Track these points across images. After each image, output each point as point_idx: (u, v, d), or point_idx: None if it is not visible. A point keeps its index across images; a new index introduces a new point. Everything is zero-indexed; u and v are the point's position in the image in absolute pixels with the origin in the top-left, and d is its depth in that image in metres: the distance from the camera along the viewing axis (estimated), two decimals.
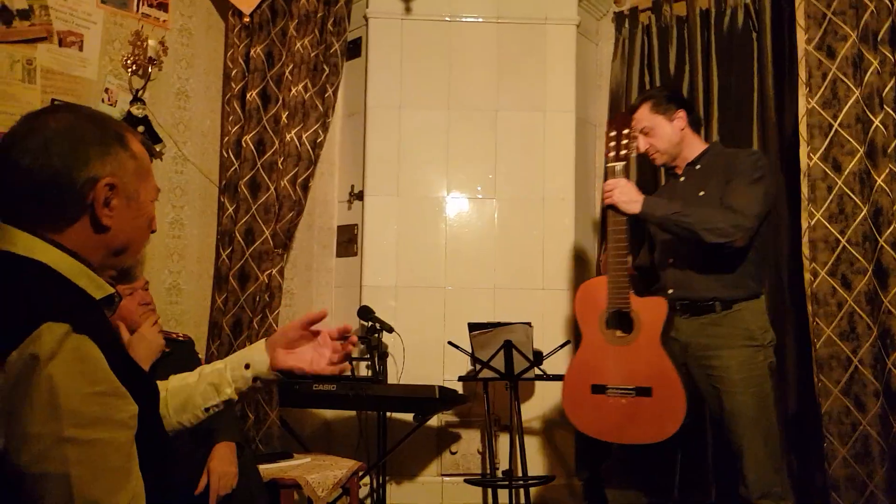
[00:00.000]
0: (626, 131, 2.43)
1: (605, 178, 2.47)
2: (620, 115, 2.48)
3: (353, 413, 3.26)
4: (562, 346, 3.01)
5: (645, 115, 2.53)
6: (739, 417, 2.31)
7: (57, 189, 0.99)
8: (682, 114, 2.53)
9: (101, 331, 0.93)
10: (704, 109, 3.39)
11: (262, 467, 2.45)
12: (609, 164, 2.44)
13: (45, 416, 0.83)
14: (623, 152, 2.42)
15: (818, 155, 2.62)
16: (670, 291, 2.46)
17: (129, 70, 2.98)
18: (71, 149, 1.00)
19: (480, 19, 3.52)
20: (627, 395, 2.37)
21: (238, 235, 3.04)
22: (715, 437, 2.88)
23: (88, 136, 1.02)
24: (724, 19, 3.41)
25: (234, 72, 3.19)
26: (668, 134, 2.52)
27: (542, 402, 3.32)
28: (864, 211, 2.54)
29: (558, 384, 3.08)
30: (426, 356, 3.20)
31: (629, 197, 2.37)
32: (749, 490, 2.29)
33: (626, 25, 3.65)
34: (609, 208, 2.42)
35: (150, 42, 3.05)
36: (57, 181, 0.99)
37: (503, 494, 2.93)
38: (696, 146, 2.58)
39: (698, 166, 2.54)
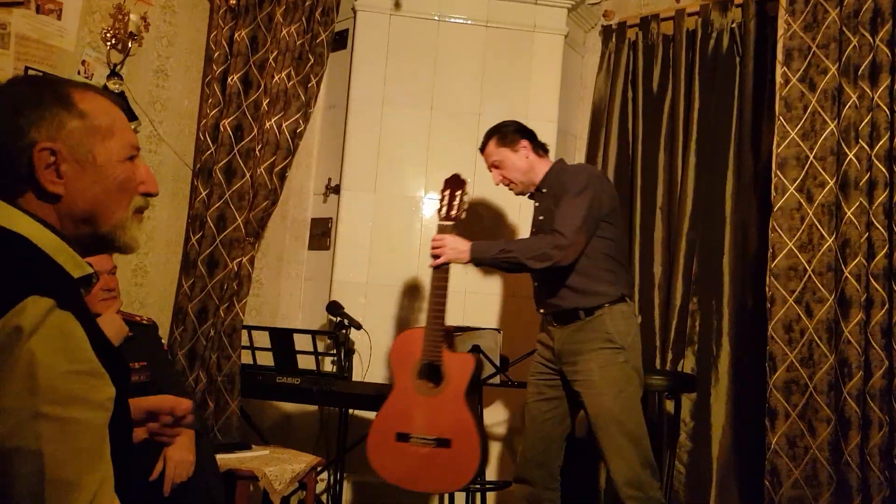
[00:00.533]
0: (458, 192, 2.51)
1: (440, 232, 2.54)
2: (454, 177, 2.56)
3: (315, 408, 3.22)
4: (528, 354, 3.01)
5: (493, 150, 2.65)
6: (602, 418, 2.38)
7: (2, 158, 0.97)
8: (525, 143, 2.65)
9: (84, 309, 0.91)
10: (684, 129, 3.43)
11: (219, 457, 2.42)
12: (441, 223, 2.51)
13: (23, 390, 0.81)
14: (454, 213, 2.49)
15: (794, 185, 2.67)
16: (541, 311, 2.62)
17: (108, 44, 2.90)
18: (2, 116, 0.97)
19: (469, 21, 3.52)
20: (428, 444, 2.48)
21: (210, 221, 2.99)
22: None
23: (21, 101, 0.98)
24: (709, 42, 3.45)
25: (216, 54, 3.13)
26: (516, 164, 2.62)
27: (505, 408, 3.33)
28: (830, 241, 2.60)
29: (522, 391, 3.10)
30: None
31: (458, 248, 2.49)
32: (616, 483, 2.35)
33: (613, 40, 3.68)
34: (434, 268, 2.53)
35: (132, 16, 2.98)
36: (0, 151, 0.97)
37: (460, 498, 2.93)
38: (542, 170, 2.66)
39: (544, 190, 2.64)
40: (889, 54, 2.57)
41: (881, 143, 2.55)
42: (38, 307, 0.84)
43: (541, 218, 2.61)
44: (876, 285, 2.51)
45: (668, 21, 3.57)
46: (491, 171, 2.66)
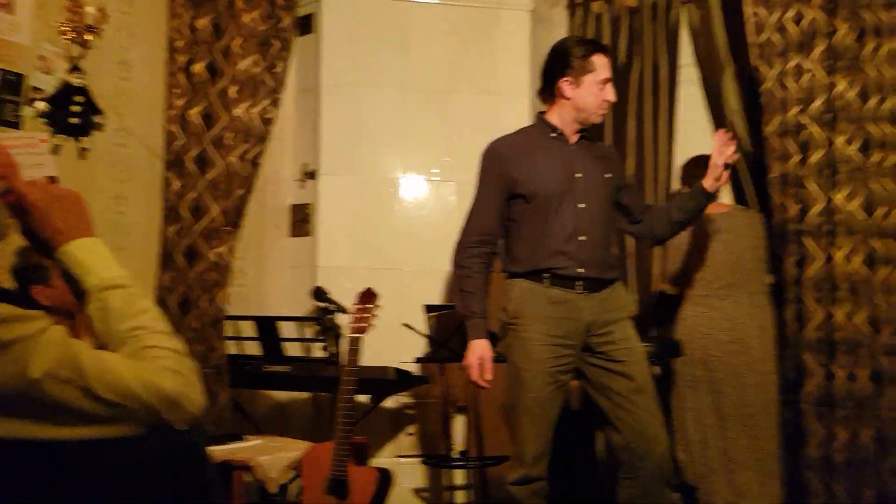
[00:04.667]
0: (370, 306, 2.48)
1: (351, 346, 2.43)
2: (367, 291, 2.51)
3: (308, 395, 3.17)
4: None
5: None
6: (647, 384, 2.24)
7: None
8: None
9: None
10: (653, 100, 3.47)
11: (212, 449, 2.37)
12: (351, 335, 2.44)
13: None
14: (364, 325, 2.45)
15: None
16: (580, 272, 2.29)
17: (65, 37, 2.81)
18: None
19: (436, 1, 3.50)
20: None
21: (186, 212, 2.92)
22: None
23: None
24: (671, 11, 3.50)
25: (179, 43, 3.06)
26: None
27: (498, 382, 3.30)
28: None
29: None
30: (383, 338, 3.11)
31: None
32: (659, 447, 2.20)
33: (579, 13, 3.70)
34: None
35: (88, 8, 2.88)
36: None
37: (460, 475, 2.91)
38: None
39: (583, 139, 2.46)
40: None
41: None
42: None
43: (578, 175, 2.29)
44: None
45: None
46: (606, 85, 2.30)
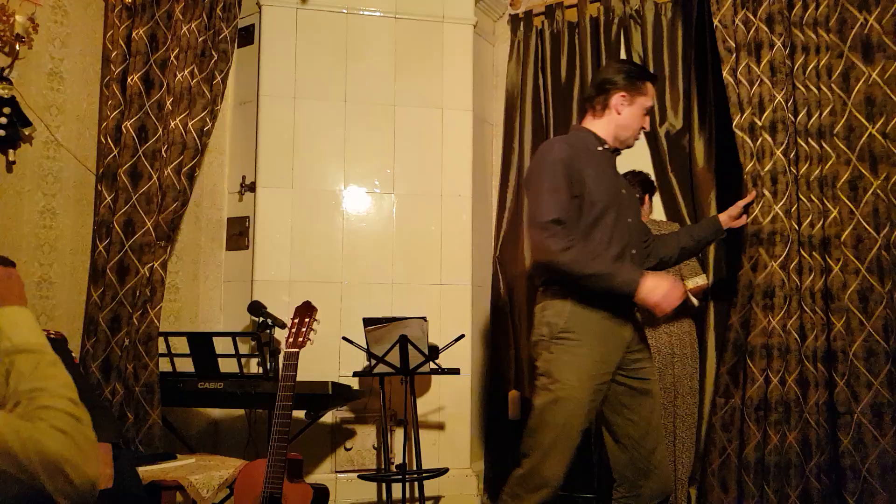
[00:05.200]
0: (307, 320, 2.46)
1: (287, 361, 2.36)
2: (305, 305, 2.49)
3: (243, 411, 3.13)
4: (456, 339, 3.01)
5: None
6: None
7: None
8: None
9: None
10: None
11: (142, 469, 2.32)
12: (288, 350, 2.41)
13: None
14: (301, 339, 2.42)
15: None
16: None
17: None
18: None
19: (378, 13, 3.50)
20: None
21: (117, 226, 2.86)
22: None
23: None
24: (611, 28, 3.56)
25: (113, 54, 3.00)
26: None
27: (438, 395, 3.32)
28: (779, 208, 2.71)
29: (454, 377, 3.10)
30: (321, 352, 3.10)
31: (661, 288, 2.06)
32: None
33: (521, 28, 3.75)
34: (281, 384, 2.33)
35: (18, 18, 2.81)
36: None
37: (397, 489, 2.90)
38: None
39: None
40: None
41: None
42: None
43: (624, 192, 2.27)
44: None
45: (571, 9, 3.66)
46: (647, 115, 2.32)
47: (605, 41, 3.54)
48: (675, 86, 3.40)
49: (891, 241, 2.57)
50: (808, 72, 2.69)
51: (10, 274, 1.10)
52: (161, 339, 2.83)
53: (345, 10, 3.47)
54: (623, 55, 3.50)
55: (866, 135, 2.60)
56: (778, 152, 2.68)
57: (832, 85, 2.66)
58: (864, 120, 2.60)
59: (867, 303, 2.55)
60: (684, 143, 3.35)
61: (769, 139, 2.71)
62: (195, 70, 3.10)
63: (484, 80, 3.73)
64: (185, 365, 2.83)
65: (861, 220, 2.58)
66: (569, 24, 3.66)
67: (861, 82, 2.61)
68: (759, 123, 2.71)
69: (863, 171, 2.60)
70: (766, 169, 2.69)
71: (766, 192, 2.68)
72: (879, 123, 2.58)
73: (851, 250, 2.59)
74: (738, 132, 2.74)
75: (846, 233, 2.60)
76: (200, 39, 3.13)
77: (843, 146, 2.63)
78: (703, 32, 3.31)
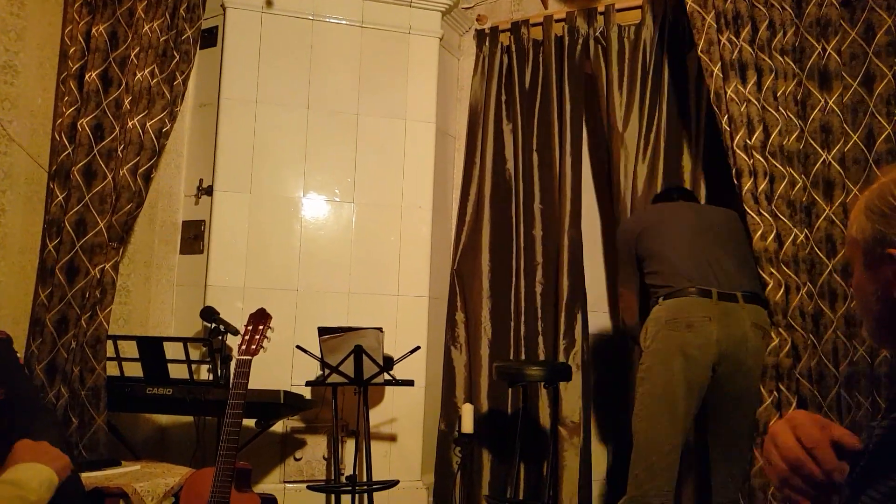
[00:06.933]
0: (261, 327, 2.46)
1: (239, 368, 2.36)
2: (259, 312, 2.49)
3: (192, 418, 3.08)
4: (412, 351, 3.02)
5: None
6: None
7: None
8: None
9: None
10: (559, 131, 3.57)
11: (85, 475, 2.27)
12: (240, 357, 2.40)
13: None
14: (253, 347, 2.41)
15: None
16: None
17: None
18: None
19: (344, 21, 3.50)
20: None
21: (68, 225, 2.79)
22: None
23: None
24: (576, 48, 3.62)
25: (72, 49, 2.94)
26: None
27: (391, 407, 3.31)
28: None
29: (408, 389, 3.11)
30: (274, 360, 3.08)
31: None
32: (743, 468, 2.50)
33: (487, 44, 3.79)
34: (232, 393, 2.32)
35: None
36: None
37: (347, 500, 2.89)
38: None
39: None
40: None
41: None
42: None
43: None
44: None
45: (537, 27, 3.71)
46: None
47: (568, 60, 3.60)
48: (631, 106, 3.45)
49: None
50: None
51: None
52: (110, 342, 2.77)
53: (311, 17, 3.46)
54: (587, 74, 3.56)
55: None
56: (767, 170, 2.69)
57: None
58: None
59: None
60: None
61: (760, 159, 2.70)
62: (156, 70, 3.05)
63: (448, 94, 3.76)
64: (134, 370, 2.78)
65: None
66: (534, 42, 3.71)
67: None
68: (750, 143, 2.71)
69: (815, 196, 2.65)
70: (761, 189, 2.69)
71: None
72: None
73: None
74: (737, 150, 2.72)
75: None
76: (162, 39, 3.09)
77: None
78: (669, 55, 3.38)
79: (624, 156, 3.35)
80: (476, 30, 3.87)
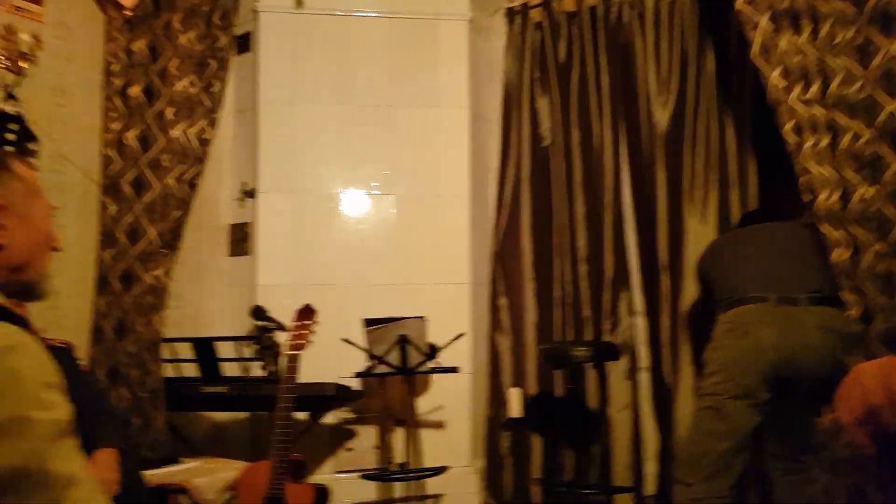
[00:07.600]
0: (308, 322, 2.52)
1: (289, 363, 2.48)
2: (306, 308, 2.55)
3: (247, 415, 3.21)
4: (456, 338, 3.05)
5: None
6: None
7: None
8: None
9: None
10: (597, 103, 3.50)
11: (147, 473, 2.39)
12: (291, 352, 2.49)
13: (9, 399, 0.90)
14: (301, 342, 2.50)
15: None
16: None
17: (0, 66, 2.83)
18: None
19: (373, 14, 3.52)
20: None
21: (122, 235, 2.95)
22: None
23: None
24: (610, 16, 3.52)
25: (115, 66, 3.08)
26: None
27: (438, 394, 3.36)
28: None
29: (454, 376, 3.14)
30: (323, 354, 3.15)
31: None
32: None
33: (518, 21, 3.72)
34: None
35: (22, 36, 2.90)
36: None
37: (399, 488, 2.97)
38: None
39: None
40: None
41: None
42: (8, 330, 0.95)
43: None
44: None
45: None
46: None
47: (604, 29, 3.51)
48: (672, 73, 3.34)
49: None
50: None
51: None
52: (165, 345, 2.91)
53: (340, 12, 3.49)
54: (623, 43, 3.46)
55: None
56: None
57: None
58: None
59: None
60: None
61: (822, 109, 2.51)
62: (195, 79, 3.16)
63: (480, 77, 3.73)
64: (190, 370, 2.92)
65: None
66: (567, 14, 3.63)
67: None
68: (806, 97, 2.53)
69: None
70: (824, 143, 2.52)
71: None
72: None
73: None
74: (792, 104, 2.53)
75: None
76: (199, 48, 3.19)
77: None
78: (706, 19, 3.25)
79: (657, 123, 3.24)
80: (506, 8, 3.80)
